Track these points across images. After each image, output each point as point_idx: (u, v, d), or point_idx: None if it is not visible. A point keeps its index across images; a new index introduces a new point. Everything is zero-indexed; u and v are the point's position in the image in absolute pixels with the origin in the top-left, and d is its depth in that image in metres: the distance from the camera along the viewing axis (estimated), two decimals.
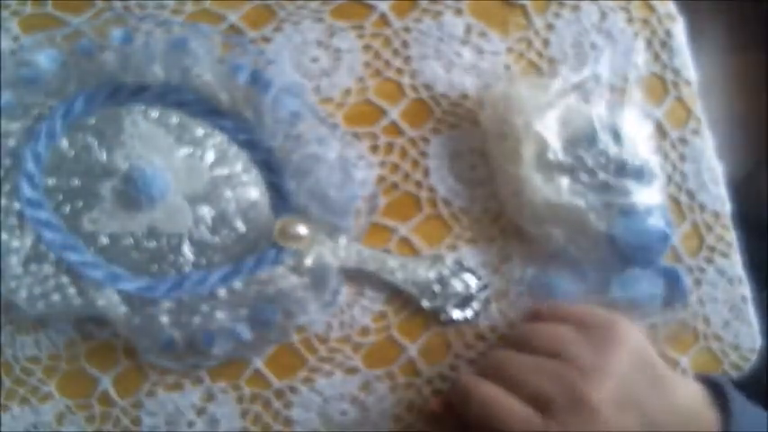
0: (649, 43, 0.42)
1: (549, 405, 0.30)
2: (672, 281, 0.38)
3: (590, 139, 0.38)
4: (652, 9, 0.42)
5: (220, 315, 0.36)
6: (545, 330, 0.34)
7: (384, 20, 0.41)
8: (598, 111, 0.38)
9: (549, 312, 0.36)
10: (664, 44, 0.42)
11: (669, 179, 0.41)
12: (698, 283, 0.40)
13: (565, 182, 0.37)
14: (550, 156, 0.37)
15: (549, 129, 0.37)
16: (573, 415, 0.30)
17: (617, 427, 0.30)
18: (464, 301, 0.39)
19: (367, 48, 0.40)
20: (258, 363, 0.38)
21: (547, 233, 0.38)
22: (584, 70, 0.40)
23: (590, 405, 0.30)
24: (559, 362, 0.32)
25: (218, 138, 0.38)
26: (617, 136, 0.38)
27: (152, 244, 0.37)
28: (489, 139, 0.39)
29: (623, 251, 0.38)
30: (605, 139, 0.38)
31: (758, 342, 0.40)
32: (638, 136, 0.39)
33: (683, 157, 0.41)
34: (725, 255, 0.41)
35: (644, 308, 0.38)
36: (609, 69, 0.41)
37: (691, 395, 0.34)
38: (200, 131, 0.38)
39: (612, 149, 0.38)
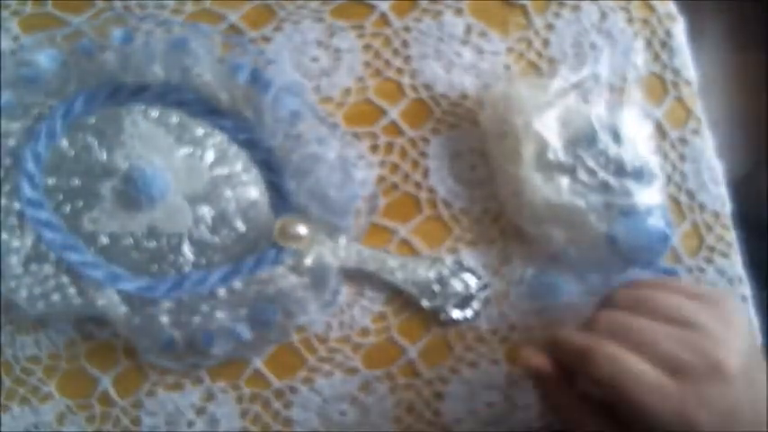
0: (649, 43, 0.42)
1: (684, 371, 0.30)
2: None
3: (590, 139, 0.38)
4: (652, 9, 0.42)
5: (220, 315, 0.36)
6: (666, 298, 0.33)
7: (384, 20, 0.41)
8: (598, 111, 0.38)
9: (656, 284, 0.35)
10: (664, 44, 0.42)
11: (669, 179, 0.41)
12: (698, 282, 0.40)
13: (565, 182, 0.37)
14: (550, 156, 0.37)
15: (549, 129, 0.37)
16: (710, 383, 0.30)
17: (746, 398, 0.30)
18: (464, 301, 0.39)
19: (367, 47, 0.40)
20: (258, 363, 0.38)
21: (547, 234, 0.38)
22: (583, 70, 0.40)
23: (727, 374, 0.30)
24: (691, 329, 0.31)
25: (218, 137, 0.38)
26: (617, 136, 0.38)
27: (152, 244, 0.37)
28: (489, 139, 0.39)
29: (623, 251, 0.38)
30: (605, 139, 0.38)
31: (759, 341, 0.40)
32: (637, 136, 0.39)
33: (682, 157, 0.41)
34: (725, 255, 0.41)
35: None
36: (608, 69, 0.40)
37: None
38: (200, 131, 0.38)
39: (612, 149, 0.38)
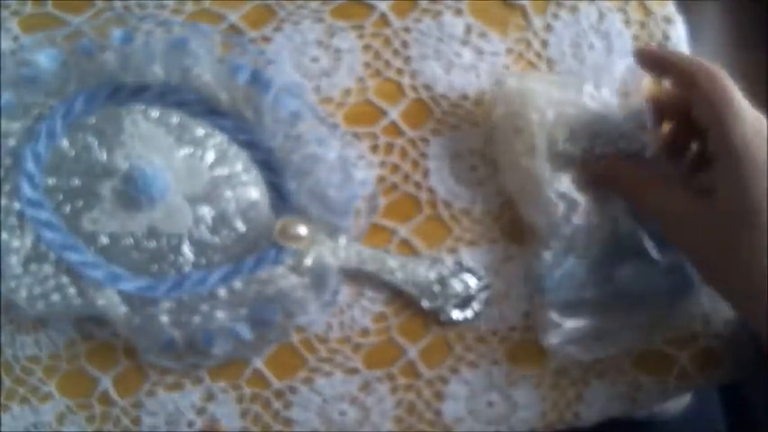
0: (648, 44, 0.42)
1: None
2: (675, 277, 0.38)
3: (596, 135, 0.38)
4: (650, 10, 0.42)
5: (220, 315, 0.36)
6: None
7: (384, 20, 0.41)
8: (600, 109, 0.38)
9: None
10: (662, 45, 0.42)
11: None
12: (698, 281, 0.40)
13: (574, 176, 0.38)
14: (561, 150, 0.37)
15: (561, 124, 0.38)
16: None
17: None
18: (464, 302, 0.39)
19: (367, 48, 0.40)
20: (258, 363, 0.38)
21: (555, 226, 0.38)
22: (583, 70, 0.40)
23: None
24: None
25: (218, 138, 0.38)
26: (617, 136, 0.38)
27: (152, 244, 0.37)
28: (502, 135, 0.39)
29: (627, 246, 0.38)
30: (609, 137, 0.38)
31: None
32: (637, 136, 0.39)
33: None
34: None
35: (646, 305, 0.38)
36: (608, 69, 0.41)
37: None
38: (200, 131, 0.38)
39: (618, 145, 0.38)
